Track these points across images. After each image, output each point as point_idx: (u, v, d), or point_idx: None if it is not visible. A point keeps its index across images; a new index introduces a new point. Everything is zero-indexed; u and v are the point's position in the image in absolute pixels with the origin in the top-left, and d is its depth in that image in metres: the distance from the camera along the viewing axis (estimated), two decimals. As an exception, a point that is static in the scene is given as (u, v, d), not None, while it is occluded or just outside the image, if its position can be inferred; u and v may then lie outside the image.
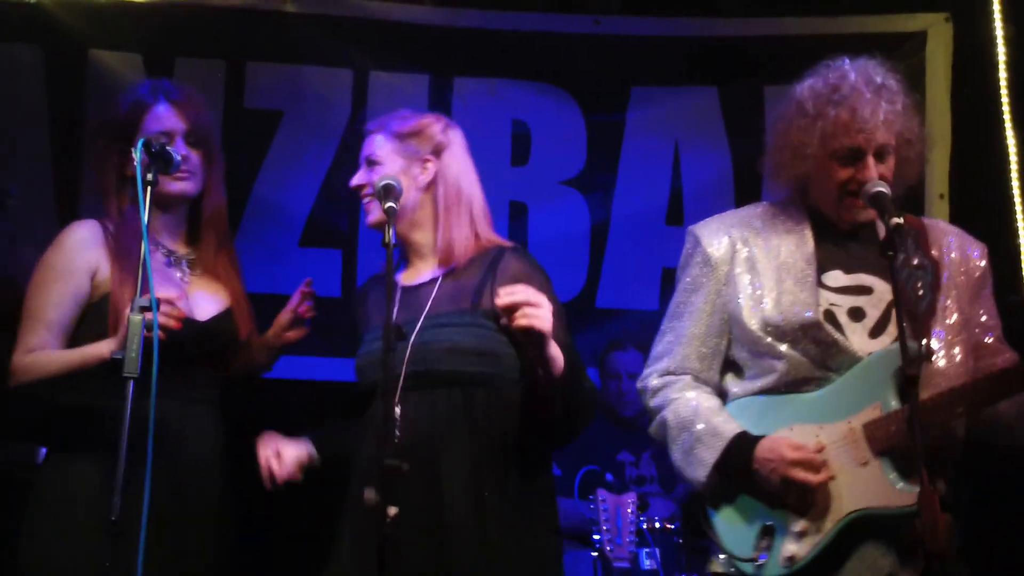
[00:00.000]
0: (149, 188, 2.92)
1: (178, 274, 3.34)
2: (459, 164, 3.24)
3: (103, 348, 3.09)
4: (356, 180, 3.25)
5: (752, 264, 3.12)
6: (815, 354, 2.99)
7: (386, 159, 3.20)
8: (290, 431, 3.24)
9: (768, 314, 3.04)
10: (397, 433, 2.98)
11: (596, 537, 4.11)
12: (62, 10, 5.00)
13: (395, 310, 3.11)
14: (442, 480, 2.96)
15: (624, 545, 3.99)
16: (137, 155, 2.92)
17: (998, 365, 3.04)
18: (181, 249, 3.41)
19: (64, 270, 3.28)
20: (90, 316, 3.27)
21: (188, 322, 3.15)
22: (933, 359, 2.96)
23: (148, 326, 2.79)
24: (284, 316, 3.55)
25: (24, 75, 4.99)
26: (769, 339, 3.03)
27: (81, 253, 3.30)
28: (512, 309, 2.74)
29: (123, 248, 3.27)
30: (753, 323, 3.06)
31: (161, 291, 2.99)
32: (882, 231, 2.88)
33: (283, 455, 3.11)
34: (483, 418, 3.01)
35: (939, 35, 5.18)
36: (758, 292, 3.08)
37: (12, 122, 5.01)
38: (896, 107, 3.04)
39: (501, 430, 3.01)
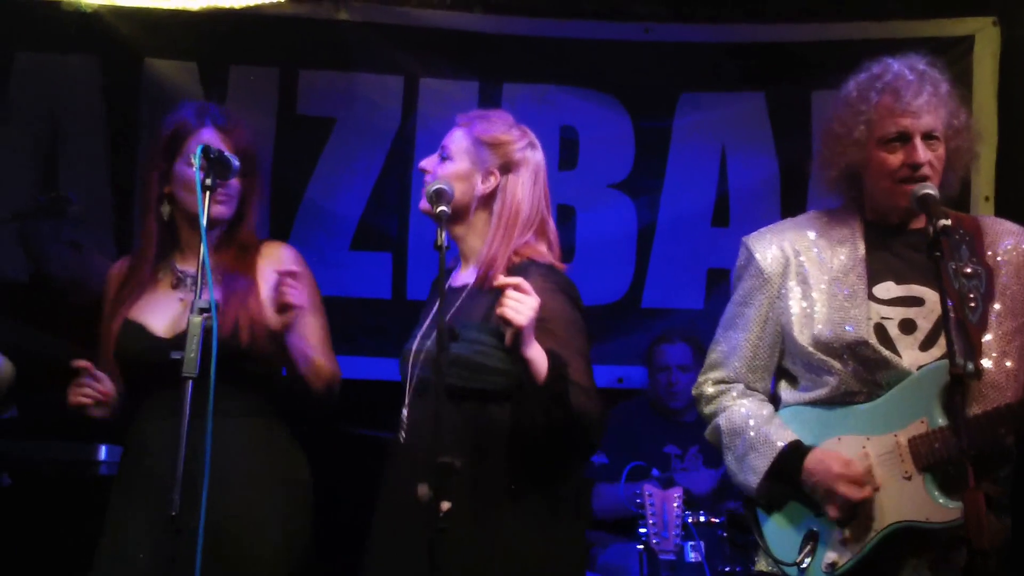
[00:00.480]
0: (208, 193, 2.98)
1: (180, 295, 3.34)
2: (526, 187, 3.18)
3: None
4: (424, 164, 3.24)
5: (804, 278, 3.13)
6: (864, 370, 3.00)
7: (456, 156, 3.19)
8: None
9: (818, 331, 3.04)
10: (403, 435, 3.05)
11: (643, 531, 4.10)
12: (118, 19, 5.11)
13: (435, 309, 3.12)
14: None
15: (670, 539, 4.02)
16: (196, 160, 2.97)
17: None
18: (193, 269, 3.33)
19: (103, 307, 3.44)
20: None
21: (156, 341, 3.24)
22: (983, 371, 2.93)
23: (207, 328, 2.85)
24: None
25: (81, 84, 5.10)
26: (820, 355, 3.04)
27: (105, 289, 3.47)
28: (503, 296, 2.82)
29: (130, 274, 3.39)
30: (803, 339, 3.07)
31: (79, 362, 3.16)
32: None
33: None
34: (481, 432, 2.99)
35: (986, 39, 5.19)
36: (809, 308, 3.09)
37: (70, 131, 5.13)
38: (940, 91, 3.04)
39: (496, 445, 2.99)
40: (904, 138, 3.01)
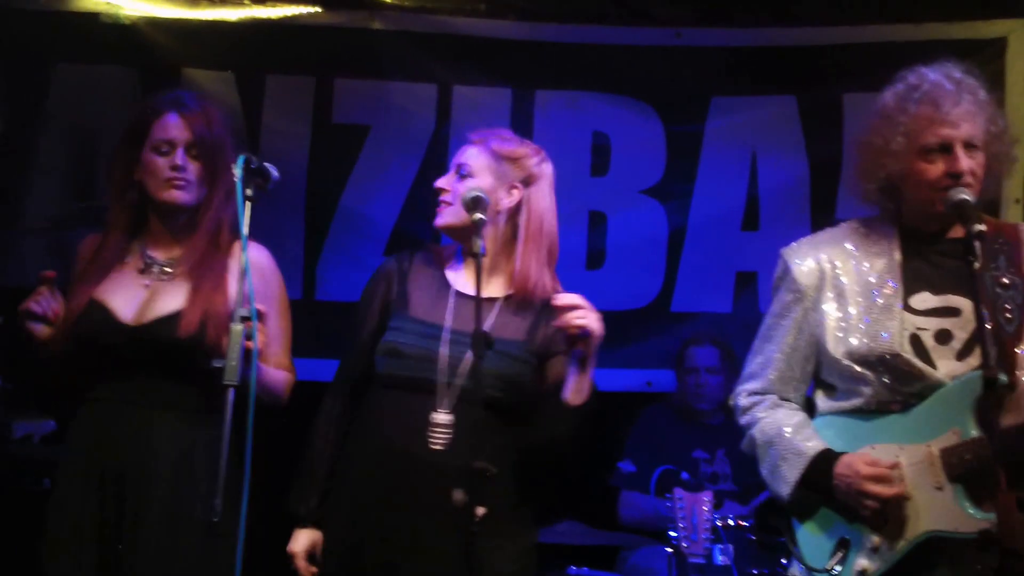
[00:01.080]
0: (249, 204, 2.99)
1: (146, 280, 3.32)
2: (546, 200, 3.28)
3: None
4: (441, 182, 3.30)
5: (840, 291, 3.12)
6: (897, 381, 3.00)
7: (479, 172, 3.24)
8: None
9: (853, 344, 3.04)
10: (437, 441, 3.06)
11: (672, 534, 4.12)
12: (156, 30, 5.19)
13: (451, 314, 3.20)
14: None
15: (699, 542, 4.03)
16: (238, 171, 2.98)
17: None
18: (164, 255, 3.36)
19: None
20: None
21: (120, 327, 3.22)
22: (1018, 383, 2.91)
23: (248, 335, 2.88)
24: None
25: (119, 96, 5.15)
26: (855, 366, 3.04)
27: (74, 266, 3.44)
28: (567, 312, 2.92)
29: (98, 253, 3.36)
30: (838, 352, 3.07)
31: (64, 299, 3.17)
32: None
33: None
34: (497, 441, 3.05)
35: (1019, 40, 5.18)
36: (844, 319, 3.09)
37: (108, 141, 5.18)
38: (979, 99, 3.02)
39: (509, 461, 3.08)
40: (945, 148, 2.98)
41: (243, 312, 2.90)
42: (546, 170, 3.31)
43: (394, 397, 3.16)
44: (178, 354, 3.19)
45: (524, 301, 3.21)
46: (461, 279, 3.29)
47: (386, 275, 3.39)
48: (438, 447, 3.06)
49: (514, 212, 3.25)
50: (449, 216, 3.26)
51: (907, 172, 3.04)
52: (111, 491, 3.15)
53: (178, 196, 3.31)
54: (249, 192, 3.00)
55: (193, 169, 3.31)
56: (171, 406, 3.22)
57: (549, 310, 3.10)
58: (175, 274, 3.32)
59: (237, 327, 2.88)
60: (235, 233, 3.19)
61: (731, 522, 4.40)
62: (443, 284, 3.28)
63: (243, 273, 2.95)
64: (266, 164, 3.09)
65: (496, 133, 3.34)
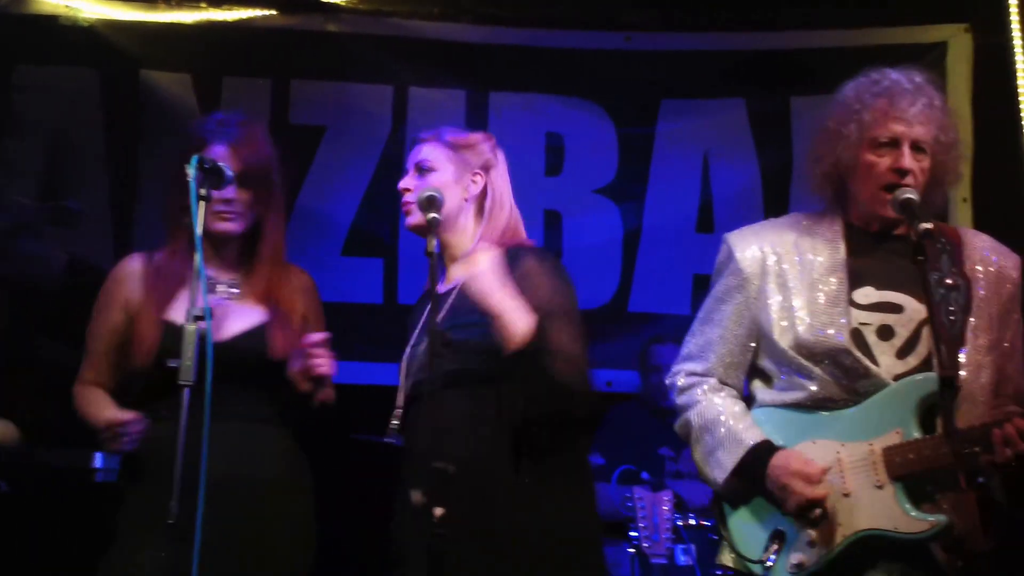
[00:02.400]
0: (203, 203, 3.00)
1: (212, 300, 3.29)
2: (504, 183, 3.33)
3: (101, 416, 3.22)
4: (405, 183, 3.30)
5: (784, 281, 3.14)
6: (843, 377, 3.01)
7: (439, 166, 3.26)
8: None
9: (800, 335, 3.05)
10: (402, 439, 3.11)
11: (633, 534, 4.17)
12: (115, 33, 5.21)
13: (425, 315, 3.21)
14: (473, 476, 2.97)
15: (661, 542, 4.05)
16: (191, 171, 2.99)
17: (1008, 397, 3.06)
18: (227, 277, 3.41)
19: (104, 304, 3.42)
20: (127, 348, 3.35)
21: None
22: (960, 384, 2.94)
23: (201, 335, 2.89)
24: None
25: (81, 96, 5.19)
26: (800, 359, 3.06)
27: (119, 286, 3.41)
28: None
29: (160, 275, 3.37)
30: (784, 342, 3.08)
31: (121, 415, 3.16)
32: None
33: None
34: (493, 414, 3.04)
35: (959, 45, 5.29)
36: (789, 311, 3.10)
37: (71, 141, 5.22)
38: (934, 105, 3.07)
39: (510, 424, 3.04)
40: (894, 143, 3.01)
41: (196, 312, 2.89)
42: (500, 156, 3.36)
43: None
44: (263, 367, 3.25)
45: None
46: (441, 281, 3.29)
47: (421, 297, 3.45)
48: (395, 443, 3.11)
49: (480, 197, 3.29)
50: (417, 216, 3.22)
51: (855, 162, 3.07)
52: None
53: (228, 228, 3.34)
54: (203, 192, 3.00)
55: (243, 199, 3.34)
56: (265, 419, 3.30)
57: (510, 265, 3.08)
58: (243, 294, 3.37)
59: (191, 327, 2.88)
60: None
61: (692, 522, 4.42)
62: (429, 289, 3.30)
63: (196, 274, 2.92)
64: (220, 164, 3.10)
65: (443, 128, 3.37)
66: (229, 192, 3.30)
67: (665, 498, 4.13)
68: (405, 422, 3.15)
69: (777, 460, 2.97)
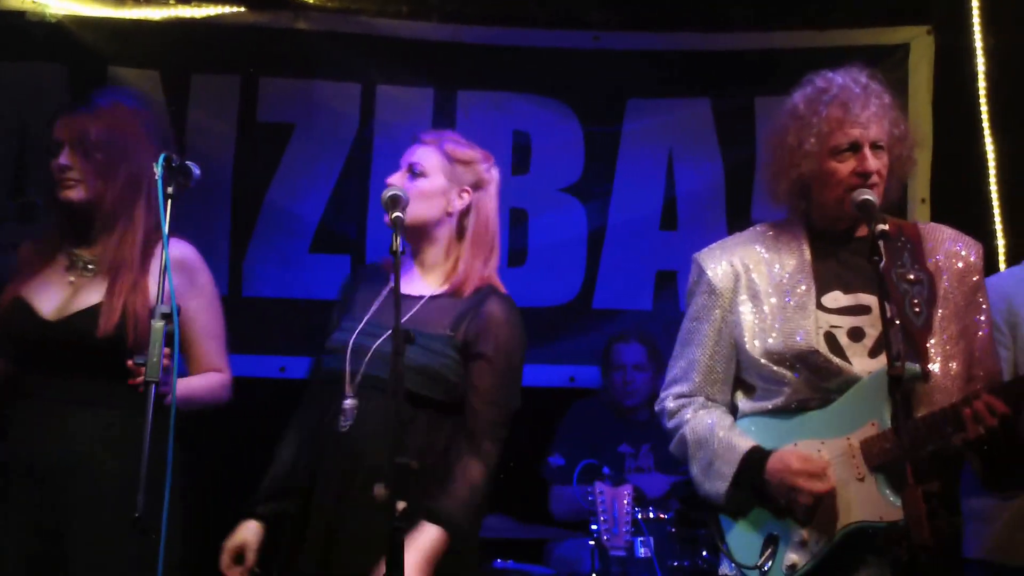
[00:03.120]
0: (170, 201, 3.00)
1: (71, 277, 3.37)
2: (493, 204, 3.37)
3: None
4: (393, 180, 3.30)
5: (754, 292, 3.19)
6: (816, 378, 3.07)
7: (432, 172, 3.29)
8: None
9: (770, 344, 3.11)
10: (345, 425, 3.12)
11: (594, 527, 4.22)
12: (83, 29, 5.19)
13: (375, 308, 3.27)
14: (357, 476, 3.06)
15: (620, 535, 4.12)
16: (159, 170, 2.98)
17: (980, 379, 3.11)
18: (86, 253, 3.41)
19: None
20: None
21: (39, 321, 3.28)
22: (930, 374, 3.02)
23: (169, 333, 2.89)
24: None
25: (49, 92, 5.15)
26: (773, 366, 3.11)
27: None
28: None
29: (34, 253, 3.44)
30: (755, 351, 3.13)
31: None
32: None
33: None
34: (421, 437, 3.11)
35: (921, 47, 5.34)
36: (760, 320, 3.15)
37: (39, 137, 5.18)
38: (884, 102, 3.12)
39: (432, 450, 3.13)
40: (854, 147, 3.07)
41: (164, 309, 2.90)
42: (494, 175, 3.39)
43: (324, 390, 3.24)
44: (94, 349, 3.22)
45: (453, 297, 3.25)
46: (404, 278, 3.27)
47: (346, 282, 3.49)
48: (344, 430, 3.11)
49: (463, 214, 3.32)
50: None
51: (818, 172, 3.11)
52: (41, 488, 3.18)
53: (72, 195, 3.36)
54: (170, 190, 3.01)
55: (81, 166, 3.34)
56: (90, 402, 3.25)
57: (476, 305, 3.19)
58: (97, 271, 3.35)
59: (158, 324, 2.88)
60: (159, 230, 3.08)
61: (652, 515, 4.48)
62: (384, 283, 3.32)
63: (164, 270, 2.94)
64: (187, 162, 3.09)
65: (448, 136, 3.38)
66: (64, 158, 3.34)
67: (625, 492, 4.20)
68: (354, 409, 3.15)
69: (773, 464, 3.02)
